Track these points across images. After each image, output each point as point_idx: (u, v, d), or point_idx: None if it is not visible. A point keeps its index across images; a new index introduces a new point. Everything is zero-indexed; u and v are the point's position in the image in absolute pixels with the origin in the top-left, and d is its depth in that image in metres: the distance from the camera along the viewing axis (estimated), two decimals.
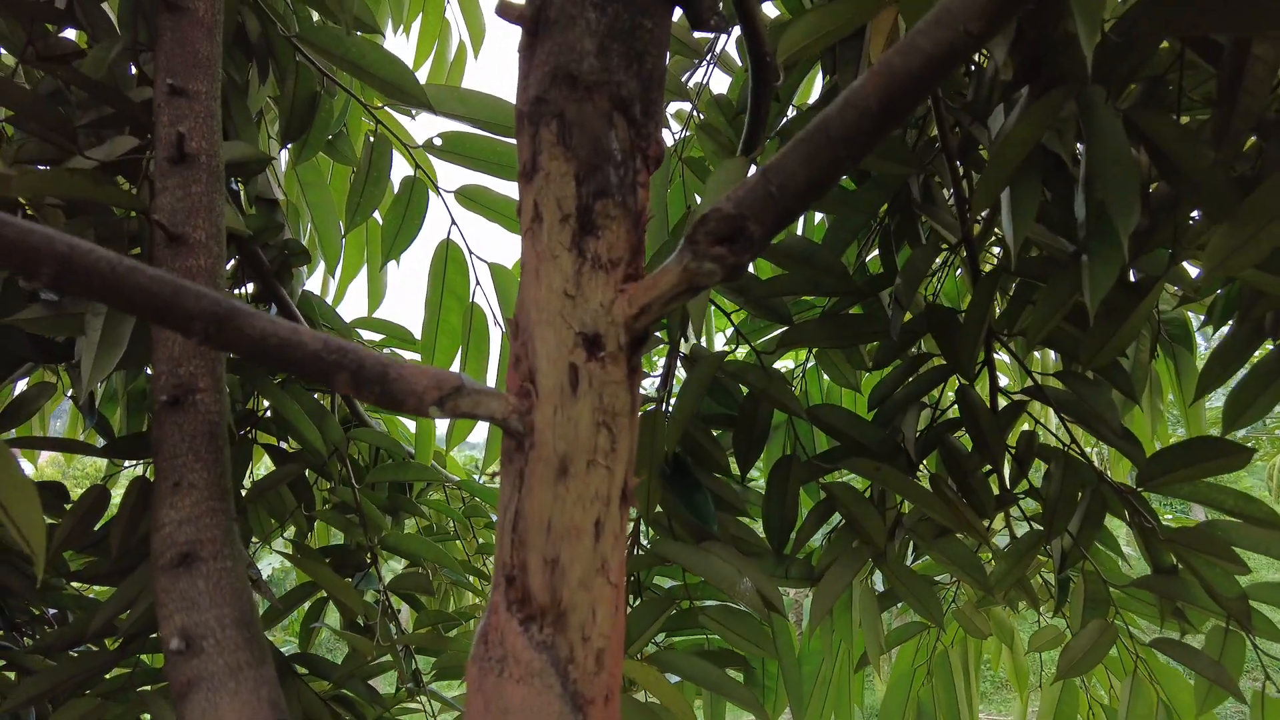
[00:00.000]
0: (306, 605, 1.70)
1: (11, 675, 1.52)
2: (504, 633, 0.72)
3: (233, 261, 1.53)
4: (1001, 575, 1.43)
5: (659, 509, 1.42)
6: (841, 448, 1.48)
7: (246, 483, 1.59)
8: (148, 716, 1.39)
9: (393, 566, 2.60)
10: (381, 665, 1.54)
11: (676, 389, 1.46)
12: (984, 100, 1.25)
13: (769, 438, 1.51)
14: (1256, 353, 1.27)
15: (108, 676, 1.43)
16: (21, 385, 1.63)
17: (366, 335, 1.90)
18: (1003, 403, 1.48)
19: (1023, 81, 1.15)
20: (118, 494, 1.61)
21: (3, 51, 1.56)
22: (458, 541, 2.00)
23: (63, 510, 1.44)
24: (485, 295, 1.70)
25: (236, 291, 1.55)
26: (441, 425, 1.85)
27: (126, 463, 1.56)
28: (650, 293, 0.77)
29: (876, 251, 1.64)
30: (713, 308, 1.78)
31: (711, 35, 1.57)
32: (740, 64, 1.72)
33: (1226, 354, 1.25)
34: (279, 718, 0.90)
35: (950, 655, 1.78)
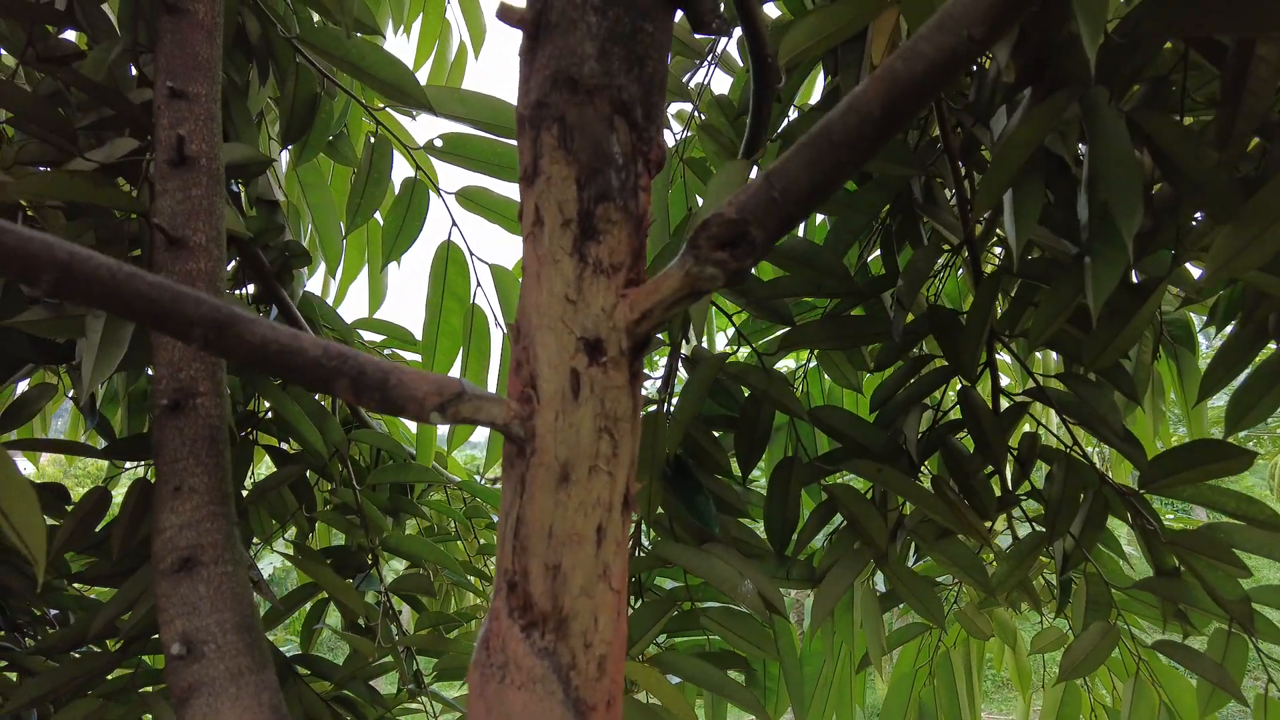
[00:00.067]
0: (308, 606, 1.70)
1: (13, 676, 1.52)
2: (505, 639, 0.72)
3: (233, 263, 1.53)
4: (1003, 577, 1.43)
5: (660, 510, 1.42)
6: (843, 449, 1.48)
7: (248, 484, 1.59)
8: (149, 717, 1.39)
9: (394, 567, 2.60)
10: (383, 666, 1.54)
11: (677, 389, 1.46)
12: (986, 101, 1.24)
13: (770, 439, 1.51)
14: (1260, 354, 1.26)
15: (109, 677, 1.43)
16: (23, 386, 1.63)
17: (367, 336, 1.90)
18: (1005, 404, 1.47)
19: (1025, 83, 1.15)
20: (119, 494, 1.61)
21: (3, 52, 1.56)
22: (459, 542, 2.00)
23: (64, 511, 1.44)
24: (486, 296, 1.70)
25: (237, 293, 1.55)
26: (443, 427, 1.85)
27: (127, 464, 1.56)
28: (652, 298, 0.76)
29: (878, 252, 1.63)
30: (714, 309, 1.78)
31: (713, 38, 1.56)
32: (741, 64, 1.72)
33: (1229, 356, 1.25)
34: None
35: (952, 656, 1.78)
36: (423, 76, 2.21)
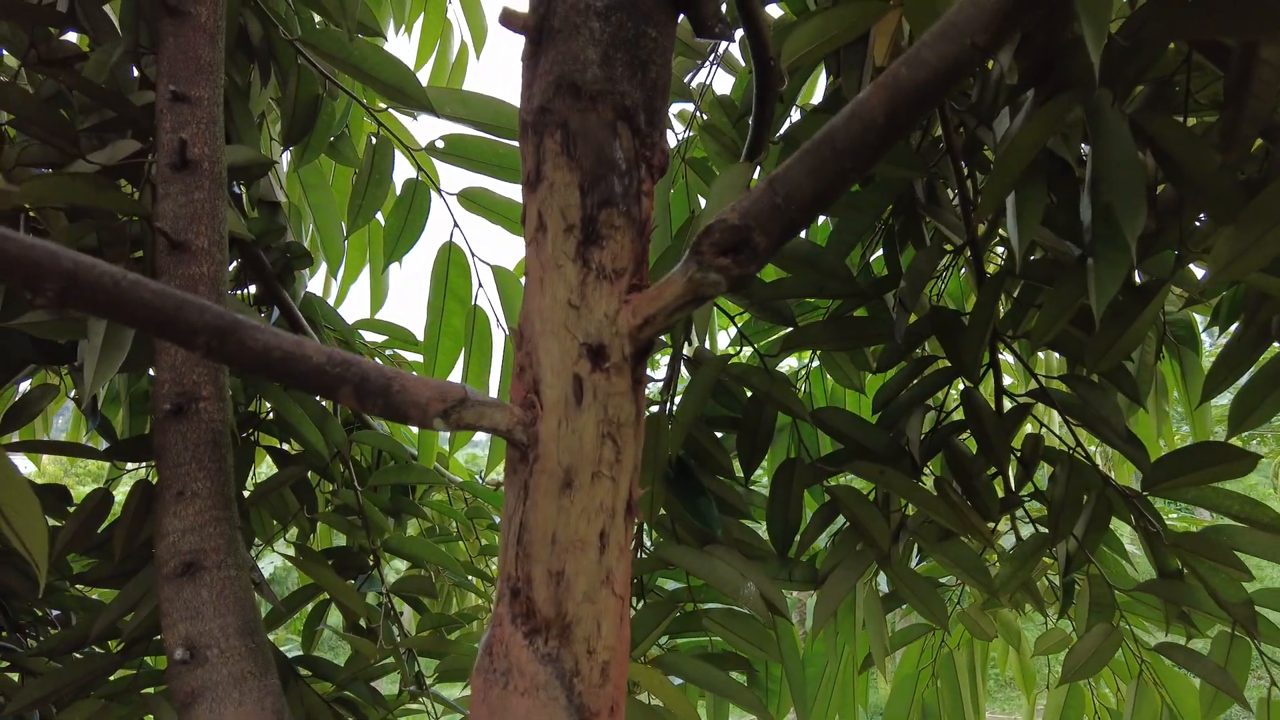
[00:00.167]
0: (310, 606, 1.70)
1: (15, 677, 1.52)
2: (509, 645, 0.72)
3: (235, 264, 1.53)
4: (1006, 578, 1.43)
5: (663, 512, 1.42)
6: (845, 451, 1.48)
7: (249, 485, 1.59)
8: (151, 718, 1.39)
9: (396, 567, 2.60)
10: (384, 667, 1.54)
11: (679, 390, 1.46)
12: (989, 103, 1.24)
13: (773, 440, 1.51)
14: (1263, 356, 1.26)
15: (111, 678, 1.43)
16: (24, 386, 1.63)
17: (369, 337, 1.89)
18: (1008, 405, 1.47)
19: (1028, 84, 1.15)
20: (122, 493, 1.61)
21: (4, 53, 1.56)
22: (460, 543, 2.00)
23: (66, 513, 1.44)
24: (488, 297, 1.70)
25: (238, 294, 1.55)
26: None
27: (129, 465, 1.56)
28: (655, 303, 0.76)
29: (880, 252, 1.63)
30: (716, 310, 1.77)
31: (715, 41, 1.56)
32: (743, 64, 1.71)
33: (1232, 357, 1.25)
34: None
35: (955, 657, 1.78)
36: (424, 76, 2.22)
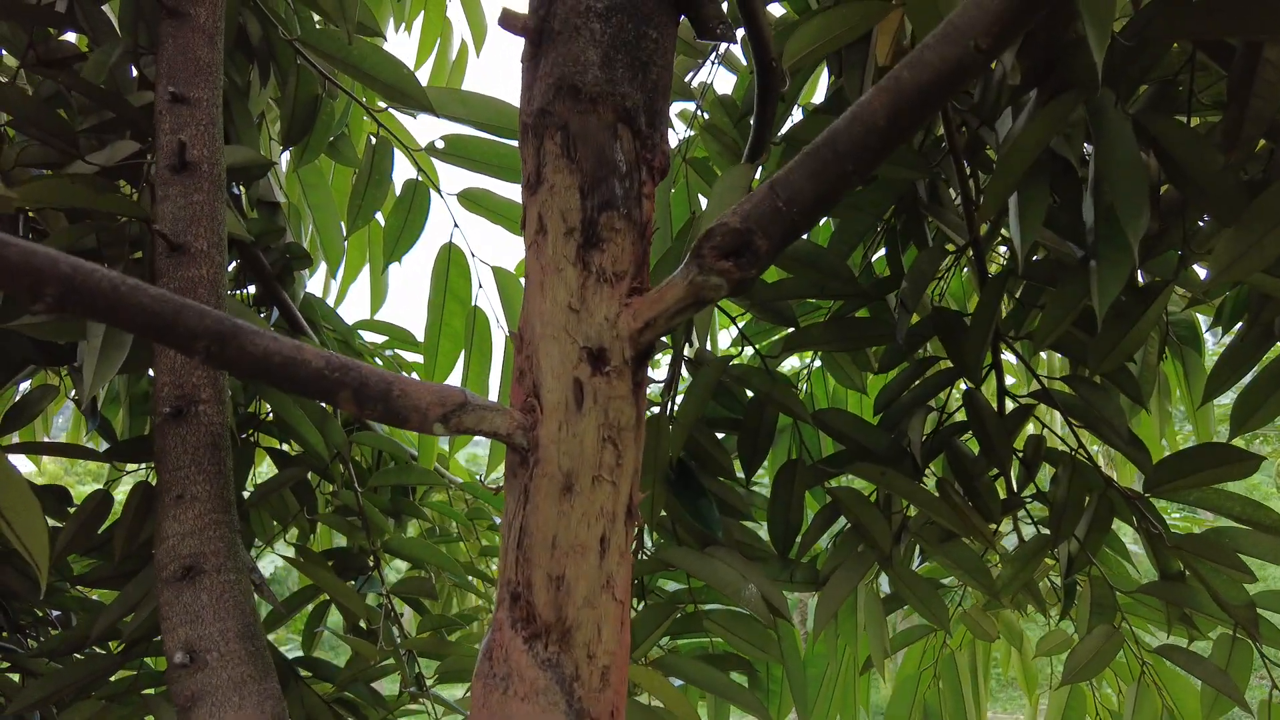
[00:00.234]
0: (310, 607, 1.70)
1: (16, 678, 1.52)
2: (509, 650, 0.72)
3: (234, 264, 1.53)
4: (1008, 579, 1.43)
5: (663, 513, 1.41)
6: (847, 452, 1.47)
7: (249, 485, 1.58)
8: (151, 719, 1.39)
9: (397, 567, 2.60)
10: (384, 668, 1.54)
11: (680, 390, 1.46)
12: (991, 103, 1.23)
13: (774, 441, 1.50)
14: (1266, 356, 1.26)
15: (112, 679, 1.43)
16: (25, 387, 1.63)
17: (369, 337, 1.89)
18: (1010, 406, 1.47)
19: (1031, 84, 1.14)
20: (122, 493, 1.60)
21: (3, 53, 1.55)
22: (461, 544, 2.00)
23: (66, 514, 1.44)
24: (488, 298, 1.69)
25: (238, 294, 1.55)
26: None
27: (129, 465, 1.56)
28: (655, 307, 0.76)
29: (883, 251, 1.63)
30: (717, 310, 1.77)
31: (714, 43, 1.55)
32: (745, 63, 1.71)
33: (1235, 357, 1.24)
34: None
35: (957, 658, 1.78)
36: (424, 75, 2.21)
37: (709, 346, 2.04)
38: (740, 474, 1.48)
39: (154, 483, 1.23)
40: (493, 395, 1.76)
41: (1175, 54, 1.19)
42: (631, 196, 0.79)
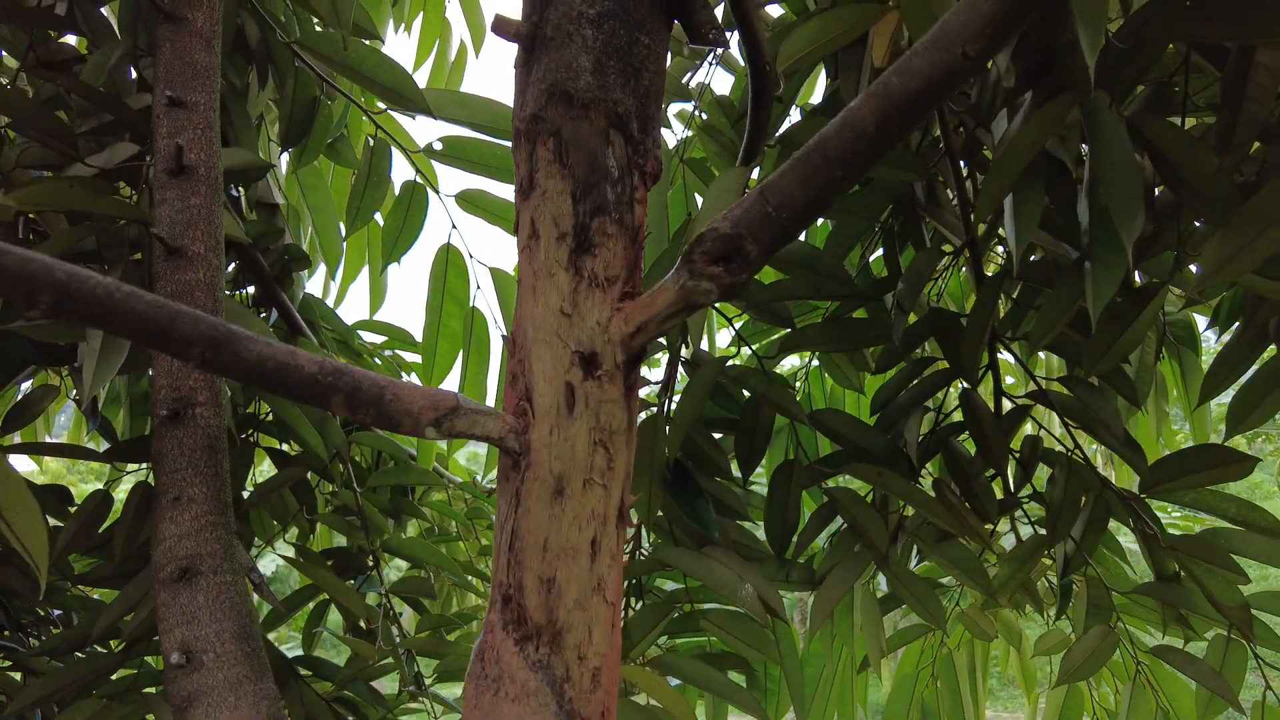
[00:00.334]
0: (311, 605, 1.71)
1: (17, 676, 1.53)
2: (500, 652, 0.72)
3: (233, 266, 1.53)
4: (1005, 579, 1.43)
5: (660, 514, 1.42)
6: (844, 452, 1.48)
7: (249, 485, 1.59)
8: (152, 718, 1.40)
9: (398, 565, 2.61)
10: (384, 667, 1.55)
11: (677, 390, 1.46)
12: (987, 105, 1.24)
13: (771, 441, 1.51)
14: (1261, 356, 1.26)
15: (113, 678, 1.44)
16: (26, 387, 1.64)
17: (368, 337, 1.90)
18: (1007, 406, 1.47)
19: (1026, 86, 1.14)
20: (123, 493, 1.61)
21: (3, 55, 1.56)
22: (460, 543, 2.01)
23: (67, 513, 1.45)
24: (486, 299, 1.70)
25: (237, 294, 1.55)
26: None
27: (130, 465, 1.57)
28: (647, 311, 0.76)
29: (880, 252, 1.63)
30: (714, 311, 1.77)
31: (710, 48, 1.55)
32: (743, 63, 1.71)
33: (1231, 358, 1.24)
34: None
35: (955, 657, 1.78)
36: (423, 75, 2.22)
37: (706, 347, 2.04)
38: (738, 474, 1.48)
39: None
40: (490, 396, 1.77)
41: (1171, 55, 1.20)
42: (624, 202, 0.79)
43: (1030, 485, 1.47)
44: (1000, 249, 1.86)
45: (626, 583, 1.46)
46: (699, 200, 1.67)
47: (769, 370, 1.48)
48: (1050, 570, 1.66)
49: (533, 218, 0.79)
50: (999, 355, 1.52)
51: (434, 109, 1.42)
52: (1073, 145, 1.20)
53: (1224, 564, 1.20)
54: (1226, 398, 1.29)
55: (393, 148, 1.68)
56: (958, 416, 1.48)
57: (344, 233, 1.73)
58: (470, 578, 1.76)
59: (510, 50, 0.84)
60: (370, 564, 1.62)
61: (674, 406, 1.43)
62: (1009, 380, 2.21)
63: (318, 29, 1.48)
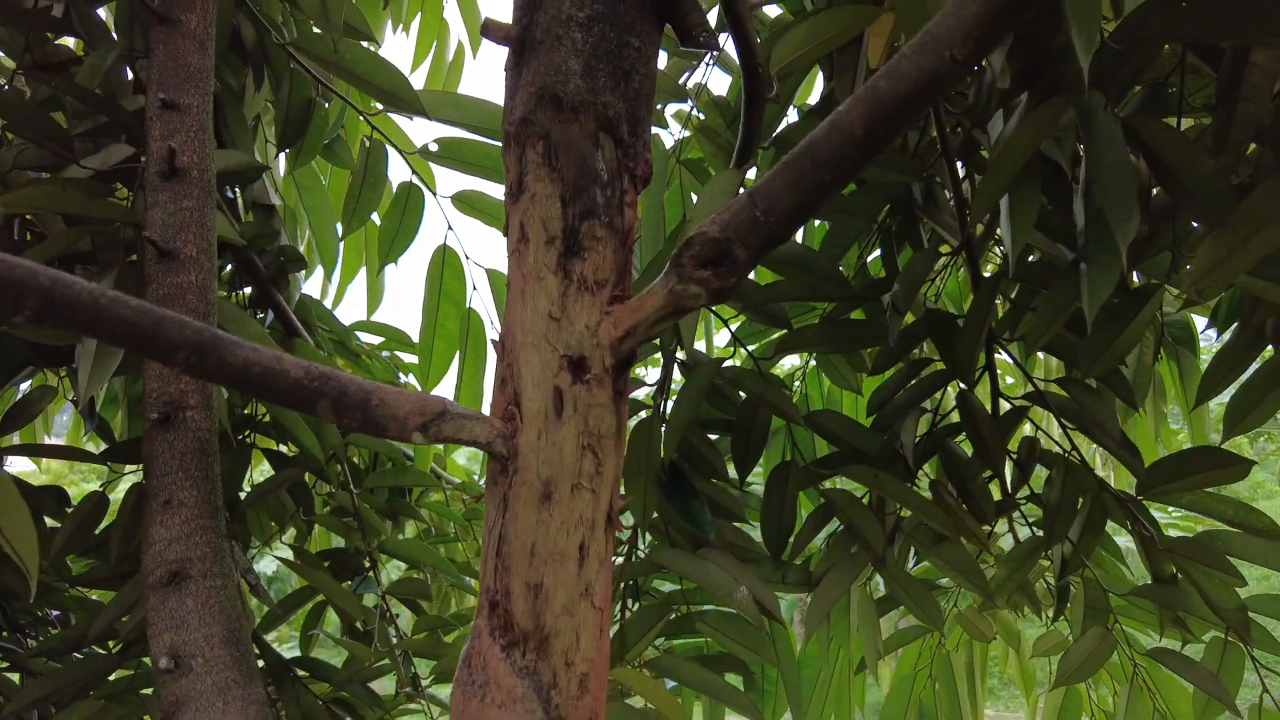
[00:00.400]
0: (309, 605, 1.71)
1: (15, 678, 1.53)
2: (486, 658, 0.72)
3: (228, 267, 1.53)
4: (1002, 581, 1.43)
5: (655, 515, 1.41)
6: (840, 454, 1.47)
7: (246, 486, 1.59)
8: (149, 718, 1.40)
9: (397, 565, 2.60)
10: (381, 668, 1.55)
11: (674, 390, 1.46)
12: (983, 105, 1.23)
13: (768, 442, 1.50)
14: (1259, 357, 1.25)
15: (110, 678, 1.44)
16: (25, 387, 1.64)
17: (365, 338, 1.90)
18: (1005, 407, 1.47)
19: (1022, 87, 1.14)
20: (121, 493, 1.62)
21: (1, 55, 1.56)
22: (459, 544, 2.00)
23: (64, 514, 1.45)
24: (482, 300, 1.69)
25: (233, 295, 1.55)
26: None
27: (128, 466, 1.57)
28: (636, 315, 0.76)
29: (879, 252, 1.62)
30: (711, 312, 1.77)
31: (701, 52, 1.54)
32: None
33: (1228, 359, 1.24)
34: None
35: (953, 658, 1.78)
36: (421, 75, 2.21)
37: (704, 348, 2.04)
38: (734, 474, 1.48)
39: None
40: (487, 396, 1.76)
41: (1166, 56, 1.19)
42: (613, 205, 0.79)
43: (1028, 487, 1.46)
44: (999, 250, 1.85)
45: (623, 584, 1.46)
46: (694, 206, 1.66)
47: (765, 371, 1.47)
48: (1048, 572, 1.65)
49: (522, 221, 0.78)
50: (997, 356, 1.51)
51: (429, 110, 1.41)
52: (1068, 146, 1.20)
53: (1220, 566, 1.20)
54: (1224, 395, 1.28)
55: (389, 148, 1.68)
56: (955, 418, 1.47)
57: (340, 234, 1.73)
58: (468, 579, 1.75)
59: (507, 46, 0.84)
60: (367, 565, 1.62)
61: (670, 407, 1.43)
62: (1009, 381, 2.21)
63: (315, 30, 1.48)
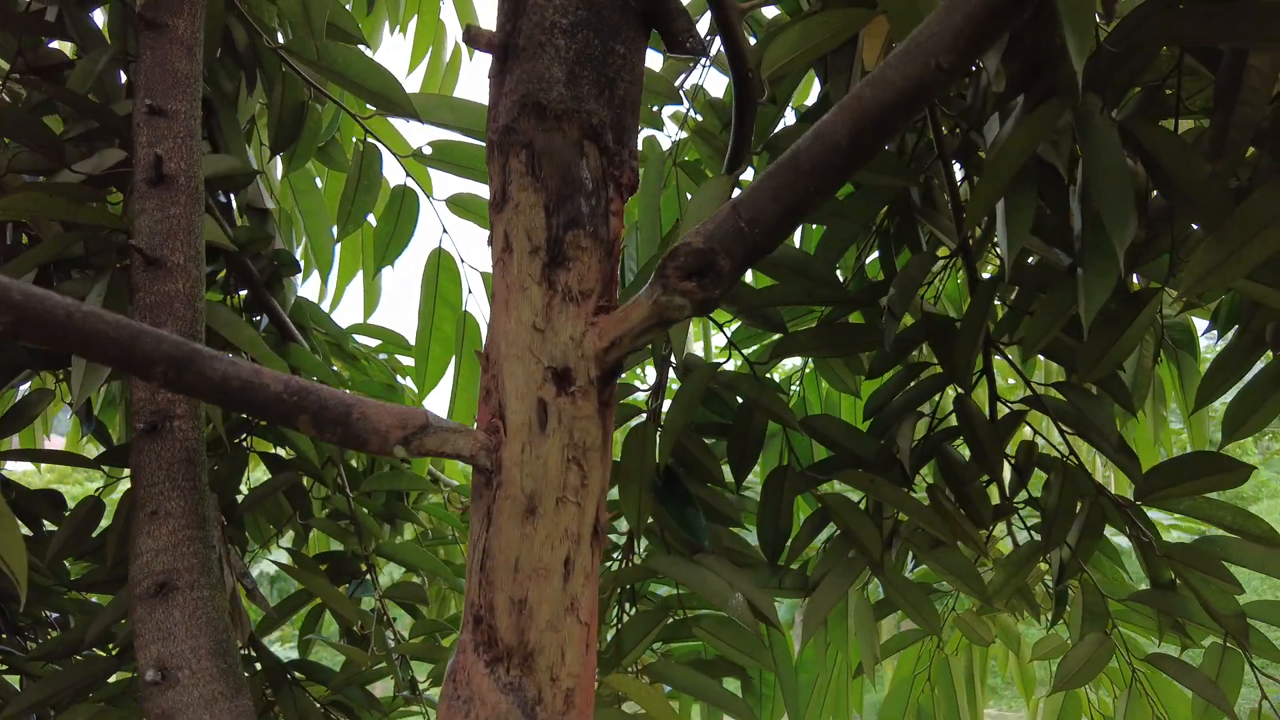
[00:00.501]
0: (308, 608, 1.70)
1: (14, 681, 1.54)
2: (471, 673, 0.72)
3: (222, 272, 1.53)
4: (1000, 585, 1.42)
5: (650, 520, 1.41)
6: (837, 458, 1.47)
7: (243, 488, 1.59)
8: None
9: (393, 569, 2.60)
10: (379, 671, 1.55)
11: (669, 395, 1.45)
12: (979, 108, 1.22)
13: (764, 446, 1.50)
14: (1258, 361, 1.24)
15: (109, 681, 1.44)
16: (24, 389, 1.64)
17: (362, 340, 1.89)
18: (1003, 411, 1.45)
19: (1018, 90, 1.13)
20: (119, 495, 1.62)
21: None
22: (457, 546, 2.00)
23: (60, 518, 1.45)
24: (478, 303, 1.69)
25: (228, 299, 1.55)
26: None
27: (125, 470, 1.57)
28: (621, 326, 0.75)
29: (877, 254, 1.61)
30: (707, 318, 1.76)
31: (689, 58, 1.53)
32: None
33: (1227, 363, 1.23)
34: None
35: (952, 662, 1.77)
36: (418, 77, 2.21)
37: (701, 352, 2.03)
38: (730, 479, 1.47)
39: None
40: None
41: (1164, 59, 1.18)
42: (598, 214, 0.78)
43: (1026, 490, 1.45)
44: (999, 251, 1.84)
45: (619, 589, 1.46)
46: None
47: (761, 375, 1.46)
48: (1047, 575, 1.64)
49: (506, 230, 0.78)
50: (995, 359, 1.50)
51: (422, 113, 1.41)
52: (1064, 150, 1.19)
53: (1218, 573, 1.19)
54: (1228, 396, 1.27)
55: (384, 151, 1.68)
56: (953, 421, 1.46)
57: (335, 236, 1.73)
58: (464, 582, 1.75)
59: None
60: (365, 569, 1.62)
61: (665, 413, 1.42)
62: (1009, 381, 2.19)
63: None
